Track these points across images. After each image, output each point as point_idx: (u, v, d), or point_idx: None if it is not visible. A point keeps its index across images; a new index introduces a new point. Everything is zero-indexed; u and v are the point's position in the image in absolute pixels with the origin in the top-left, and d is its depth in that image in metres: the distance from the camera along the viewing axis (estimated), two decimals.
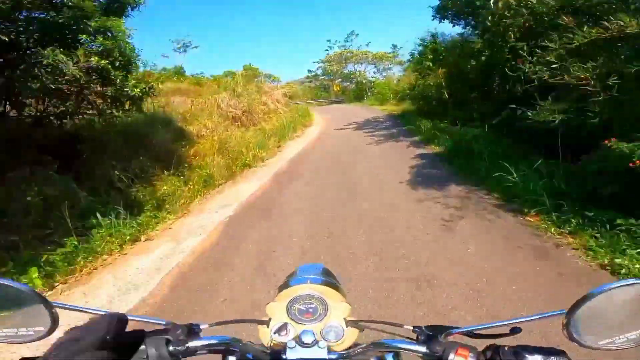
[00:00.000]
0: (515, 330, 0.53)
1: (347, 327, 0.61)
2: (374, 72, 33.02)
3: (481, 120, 7.21)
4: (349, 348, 0.60)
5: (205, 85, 13.97)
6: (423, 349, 0.55)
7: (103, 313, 0.46)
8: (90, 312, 0.53)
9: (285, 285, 0.75)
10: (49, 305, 0.50)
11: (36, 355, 0.44)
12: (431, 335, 0.55)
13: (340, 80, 34.60)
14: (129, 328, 0.44)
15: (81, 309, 0.55)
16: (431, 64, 11.22)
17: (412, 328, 0.59)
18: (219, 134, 7.60)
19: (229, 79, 13.41)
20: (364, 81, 31.48)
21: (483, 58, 7.71)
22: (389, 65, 32.22)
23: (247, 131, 9.04)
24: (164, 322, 0.57)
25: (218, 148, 6.80)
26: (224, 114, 9.38)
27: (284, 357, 0.55)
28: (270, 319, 0.62)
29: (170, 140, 6.35)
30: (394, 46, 32.47)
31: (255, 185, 5.79)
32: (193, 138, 7.12)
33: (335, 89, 32.69)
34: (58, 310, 0.51)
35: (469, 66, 8.60)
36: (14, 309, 0.51)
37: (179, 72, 18.57)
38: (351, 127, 12.23)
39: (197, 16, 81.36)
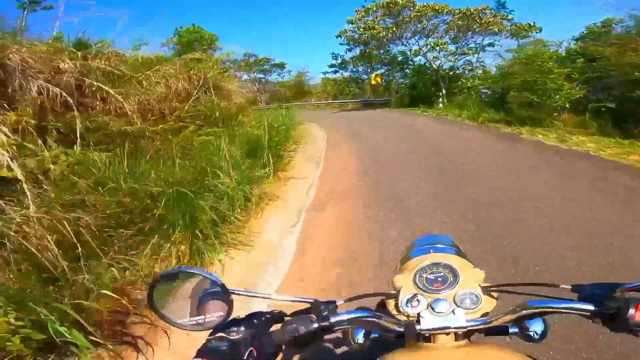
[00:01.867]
0: None
1: (483, 293, 0.59)
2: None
3: None
4: (487, 314, 0.58)
5: None
6: (590, 306, 0.50)
7: (267, 298, 0.59)
8: (259, 297, 0.59)
9: (407, 258, 0.74)
10: (227, 292, 0.55)
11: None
12: (599, 292, 0.51)
13: (383, 70, 23.22)
14: (277, 306, 0.57)
15: (252, 294, 0.60)
16: None
17: (570, 287, 0.55)
18: None
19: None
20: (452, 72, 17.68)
21: None
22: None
23: None
24: (311, 300, 0.59)
25: None
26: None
27: (417, 327, 0.56)
28: (398, 292, 0.62)
29: None
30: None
31: None
32: None
33: (373, 82, 21.97)
34: (233, 296, 0.56)
35: None
36: (200, 297, 0.56)
37: None
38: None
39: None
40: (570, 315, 0.54)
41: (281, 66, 33.26)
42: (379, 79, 20.96)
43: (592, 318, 0.51)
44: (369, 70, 25.96)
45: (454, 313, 0.56)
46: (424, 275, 0.63)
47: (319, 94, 28.52)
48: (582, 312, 0.51)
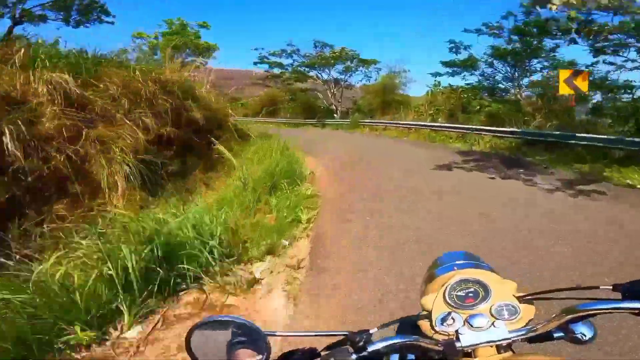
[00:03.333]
0: None
1: (520, 302, 0.58)
2: None
3: None
4: (529, 322, 0.57)
5: None
6: (639, 304, 0.49)
7: (302, 335, 0.65)
8: (294, 335, 0.66)
9: (432, 277, 0.73)
10: (263, 336, 0.55)
11: None
12: None
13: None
14: (308, 343, 0.57)
15: (287, 334, 0.67)
16: None
17: (610, 287, 0.55)
18: None
19: None
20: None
21: None
22: None
23: None
24: (345, 333, 0.58)
25: None
26: None
27: (458, 344, 0.54)
28: (430, 312, 0.61)
29: None
30: None
31: None
32: None
33: (565, 91, 12.25)
34: (269, 337, 0.55)
35: None
36: (238, 343, 0.56)
37: None
38: None
39: None
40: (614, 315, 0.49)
41: (371, 63, 22.95)
42: (581, 83, 8.04)
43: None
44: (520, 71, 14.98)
45: (494, 326, 0.55)
46: (454, 292, 0.62)
47: (421, 107, 17.33)
48: (632, 311, 0.50)
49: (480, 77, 17.82)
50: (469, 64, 17.47)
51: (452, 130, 12.93)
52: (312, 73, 24.86)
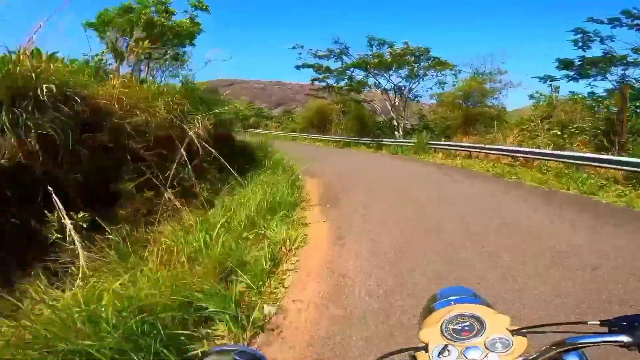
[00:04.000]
0: None
1: (513, 335, 0.60)
2: None
3: None
4: (522, 355, 0.58)
5: None
6: (625, 338, 0.53)
7: None
8: None
9: (430, 311, 0.75)
10: None
11: None
12: (628, 323, 0.55)
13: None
14: None
15: None
16: None
17: (598, 322, 0.59)
18: None
19: None
20: None
21: None
22: None
23: None
24: None
25: None
26: None
27: None
28: (427, 344, 0.63)
29: None
30: None
31: None
32: None
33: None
34: None
35: None
36: None
37: None
38: None
39: None
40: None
41: (446, 66, 17.35)
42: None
43: (627, 347, 0.53)
44: None
45: (488, 358, 0.57)
46: (450, 326, 0.64)
47: (528, 123, 11.33)
48: (616, 344, 0.54)
49: (616, 84, 11.30)
50: (607, 64, 11.13)
51: (614, 167, 7.00)
52: (370, 81, 20.10)
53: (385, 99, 19.78)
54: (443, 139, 14.02)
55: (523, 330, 0.61)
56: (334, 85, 20.87)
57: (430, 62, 16.94)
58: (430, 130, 16.45)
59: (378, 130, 22.12)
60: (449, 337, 0.61)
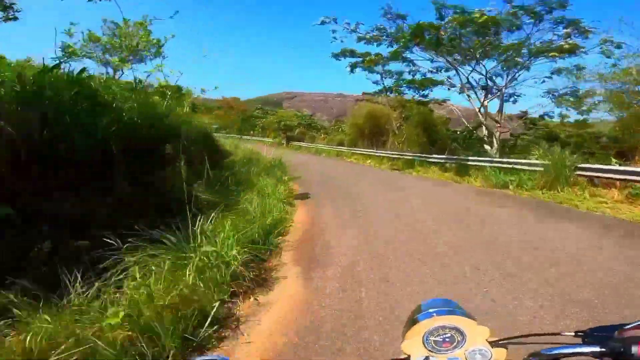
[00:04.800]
0: None
1: (492, 347, 0.62)
2: None
3: None
4: None
5: None
6: (597, 348, 0.55)
7: None
8: None
9: (413, 322, 0.76)
10: None
11: None
12: (602, 335, 0.57)
13: None
14: None
15: None
16: None
17: (573, 334, 0.61)
18: None
19: None
20: None
21: None
22: None
23: None
24: None
25: None
26: None
27: None
28: (409, 356, 0.64)
29: None
30: None
31: None
32: None
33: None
34: None
35: None
36: None
37: None
38: None
39: None
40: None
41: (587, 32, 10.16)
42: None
43: (600, 357, 0.54)
44: None
45: None
46: (432, 338, 0.65)
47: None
48: (589, 355, 0.55)
49: None
50: None
51: None
52: (442, 75, 13.67)
53: (469, 96, 13.13)
54: (614, 162, 7.01)
55: (501, 342, 0.64)
56: (390, 85, 14.88)
57: (567, 25, 9.80)
58: (562, 144, 9.37)
59: (454, 144, 15.55)
60: (430, 349, 0.63)
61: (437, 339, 0.65)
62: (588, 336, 0.59)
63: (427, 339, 0.65)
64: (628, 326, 0.55)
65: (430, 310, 0.77)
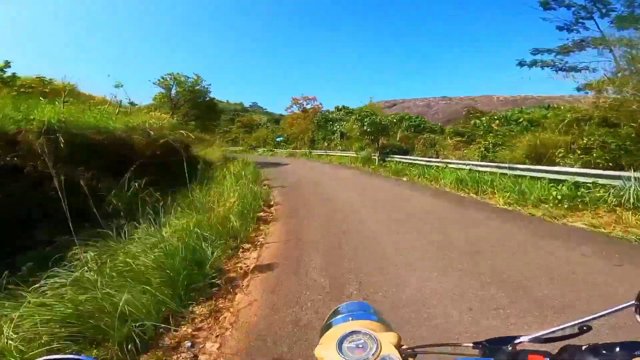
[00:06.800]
0: (584, 329, 0.58)
1: (402, 355, 0.64)
2: None
3: None
4: None
5: None
6: None
7: None
8: None
9: (328, 327, 0.77)
10: None
11: None
12: (496, 347, 0.62)
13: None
14: None
15: None
16: None
17: (471, 345, 0.65)
18: None
19: None
20: None
21: None
22: None
23: None
24: None
25: None
26: None
27: None
28: None
29: None
30: None
31: None
32: None
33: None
34: None
35: None
36: None
37: None
38: None
39: None
40: None
41: None
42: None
43: None
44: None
45: None
46: (345, 344, 0.66)
47: None
48: None
49: None
50: None
51: None
52: None
53: None
54: None
55: (409, 349, 0.67)
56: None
57: None
58: None
59: None
60: (343, 356, 0.63)
61: (350, 345, 0.65)
62: (485, 349, 0.63)
63: (340, 345, 0.65)
64: (522, 338, 0.60)
65: (346, 314, 0.79)
